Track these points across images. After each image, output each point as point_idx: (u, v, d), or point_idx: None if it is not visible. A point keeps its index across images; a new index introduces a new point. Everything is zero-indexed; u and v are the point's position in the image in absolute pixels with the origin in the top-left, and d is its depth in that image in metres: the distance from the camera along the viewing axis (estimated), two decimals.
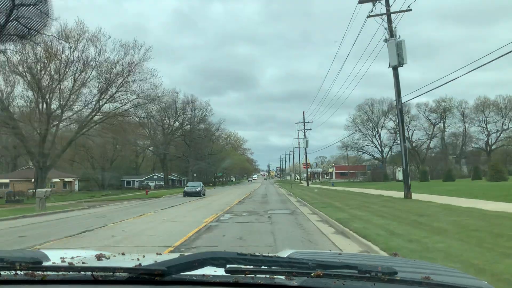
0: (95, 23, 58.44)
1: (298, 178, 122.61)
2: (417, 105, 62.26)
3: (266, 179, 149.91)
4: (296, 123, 52.42)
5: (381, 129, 66.90)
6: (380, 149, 67.49)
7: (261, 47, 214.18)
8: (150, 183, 59.01)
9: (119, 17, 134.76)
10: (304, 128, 51.29)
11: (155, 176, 61.81)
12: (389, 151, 67.12)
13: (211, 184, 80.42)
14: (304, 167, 56.58)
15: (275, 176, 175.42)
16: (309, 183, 66.42)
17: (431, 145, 64.41)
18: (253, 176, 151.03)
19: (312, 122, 51.77)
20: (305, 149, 51.74)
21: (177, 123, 67.31)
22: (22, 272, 0.92)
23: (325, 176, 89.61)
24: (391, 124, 66.99)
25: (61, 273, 0.93)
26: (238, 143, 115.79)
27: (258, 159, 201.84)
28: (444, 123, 62.11)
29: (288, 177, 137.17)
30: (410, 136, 64.32)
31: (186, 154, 65.48)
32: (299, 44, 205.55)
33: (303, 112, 55.84)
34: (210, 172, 77.91)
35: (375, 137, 67.67)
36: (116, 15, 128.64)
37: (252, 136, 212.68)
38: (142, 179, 61.37)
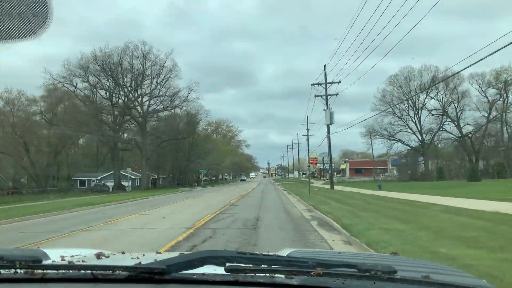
0: (87, 18, 60.02)
1: (305, 176, 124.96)
2: (470, 76, 60.16)
3: (265, 177, 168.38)
4: (313, 84, 41.13)
5: (421, 110, 64.93)
6: (420, 137, 65.21)
7: (259, 43, 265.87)
8: (108, 183, 59.10)
9: (112, 12, 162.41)
10: (326, 92, 40.31)
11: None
12: (431, 139, 65.27)
13: (195, 184, 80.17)
14: (312, 163, 47.12)
15: (275, 174, 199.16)
16: (322, 183, 65.12)
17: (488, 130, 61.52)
18: (251, 174, 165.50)
19: (339, 82, 39.23)
20: (328, 127, 40.18)
21: (135, 94, 61.29)
22: (22, 271, 1.26)
23: (335, 174, 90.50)
24: (433, 103, 64.57)
25: (61, 271, 1.26)
26: (231, 134, 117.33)
27: (257, 158, 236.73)
28: (505, 101, 60.43)
29: (291, 175, 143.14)
30: (458, 117, 62.23)
31: (137, 139, 60.60)
32: (298, 40, 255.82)
33: (325, 66, 40.64)
34: (192, 169, 76.97)
35: (412, 120, 65.70)
36: (108, 9, 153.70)
37: (252, 134, 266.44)
38: (99, 177, 61.17)
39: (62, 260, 1.47)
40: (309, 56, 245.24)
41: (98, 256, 1.59)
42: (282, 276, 1.27)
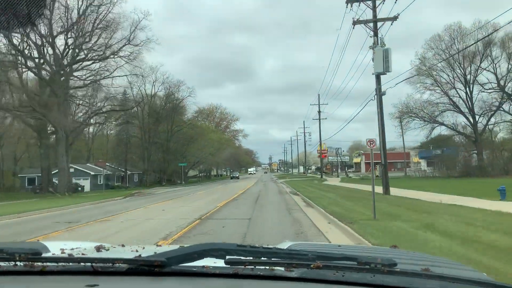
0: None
1: (311, 171, 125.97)
2: None
3: (266, 172, 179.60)
4: (349, 0, 27.06)
5: (473, 85, 56.80)
6: (471, 119, 56.94)
7: (259, 37, 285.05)
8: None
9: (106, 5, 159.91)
10: (376, 14, 26.91)
11: (72, 169, 57.49)
12: (487, 122, 57.22)
13: (179, 182, 78.94)
14: (323, 156, 37.83)
15: (277, 169, 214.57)
16: (339, 180, 62.66)
17: None
18: (250, 170, 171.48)
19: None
20: (379, 78, 27.26)
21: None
22: (21, 263, 1.51)
23: (346, 169, 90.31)
24: (488, 76, 55.96)
25: (60, 264, 1.52)
26: (226, 122, 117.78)
27: (258, 153, 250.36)
28: None
29: (295, 171, 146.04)
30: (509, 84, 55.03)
31: (43, 109, 41.67)
32: (298, 34, 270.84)
33: None
34: (170, 162, 76.34)
35: (460, 96, 57.22)
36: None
37: (253, 129, 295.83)
38: (52, 173, 59.54)
39: (62, 253, 1.74)
40: (309, 49, 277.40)
41: (98, 249, 1.86)
42: (282, 268, 1.52)
